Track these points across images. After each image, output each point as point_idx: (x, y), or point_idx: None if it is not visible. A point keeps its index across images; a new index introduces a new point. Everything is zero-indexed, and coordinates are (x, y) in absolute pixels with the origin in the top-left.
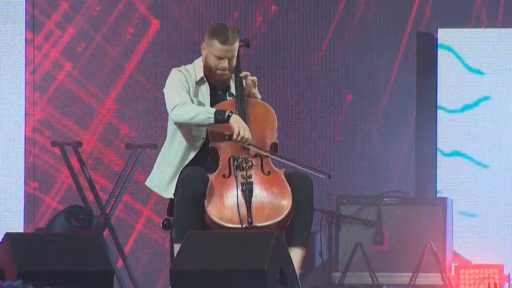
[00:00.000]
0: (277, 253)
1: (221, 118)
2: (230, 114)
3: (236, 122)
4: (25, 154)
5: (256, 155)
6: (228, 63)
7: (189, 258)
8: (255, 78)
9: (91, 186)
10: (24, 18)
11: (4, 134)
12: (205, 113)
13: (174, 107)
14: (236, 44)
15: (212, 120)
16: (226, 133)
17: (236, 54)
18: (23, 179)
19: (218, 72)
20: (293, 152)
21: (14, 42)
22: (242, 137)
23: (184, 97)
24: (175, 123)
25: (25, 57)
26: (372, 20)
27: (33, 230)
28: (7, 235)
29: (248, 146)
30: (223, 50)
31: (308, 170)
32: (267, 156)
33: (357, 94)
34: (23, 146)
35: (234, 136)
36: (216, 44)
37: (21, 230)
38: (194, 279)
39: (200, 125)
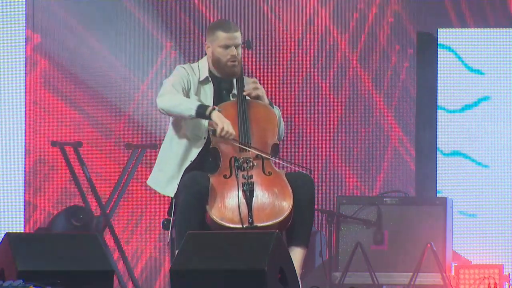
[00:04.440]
0: (277, 253)
1: (202, 112)
2: (212, 110)
3: (219, 118)
4: (25, 153)
5: (257, 156)
6: (236, 50)
7: (189, 258)
8: (255, 90)
9: (91, 186)
10: (24, 18)
11: (4, 134)
12: (188, 104)
13: (161, 94)
14: (239, 34)
15: (193, 112)
16: (210, 128)
17: (240, 43)
18: (23, 179)
19: (229, 64)
20: (293, 153)
21: (14, 42)
22: (227, 132)
23: (177, 90)
24: (161, 111)
25: (25, 56)
26: (372, 20)
27: (33, 230)
28: (7, 235)
29: (246, 148)
30: (228, 37)
31: (289, 165)
32: (253, 151)
33: (356, 94)
34: (23, 145)
35: (218, 130)
36: (221, 34)
37: (21, 230)
38: (194, 279)
39: (181, 115)
